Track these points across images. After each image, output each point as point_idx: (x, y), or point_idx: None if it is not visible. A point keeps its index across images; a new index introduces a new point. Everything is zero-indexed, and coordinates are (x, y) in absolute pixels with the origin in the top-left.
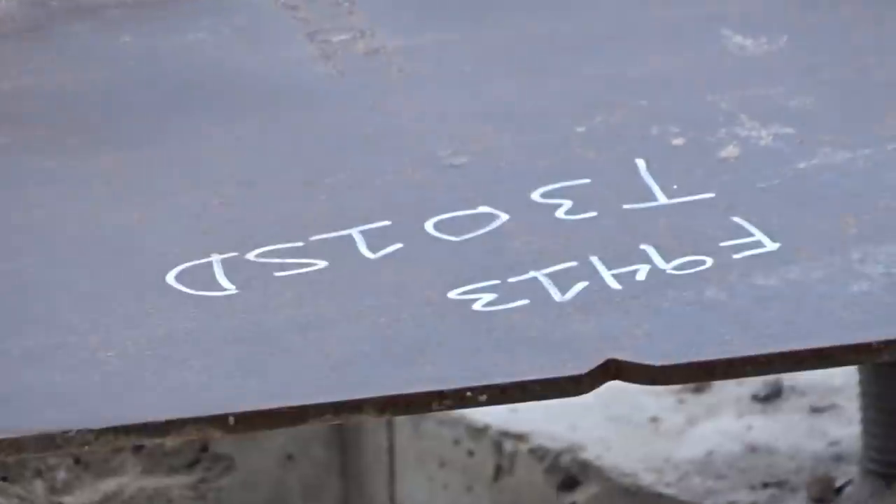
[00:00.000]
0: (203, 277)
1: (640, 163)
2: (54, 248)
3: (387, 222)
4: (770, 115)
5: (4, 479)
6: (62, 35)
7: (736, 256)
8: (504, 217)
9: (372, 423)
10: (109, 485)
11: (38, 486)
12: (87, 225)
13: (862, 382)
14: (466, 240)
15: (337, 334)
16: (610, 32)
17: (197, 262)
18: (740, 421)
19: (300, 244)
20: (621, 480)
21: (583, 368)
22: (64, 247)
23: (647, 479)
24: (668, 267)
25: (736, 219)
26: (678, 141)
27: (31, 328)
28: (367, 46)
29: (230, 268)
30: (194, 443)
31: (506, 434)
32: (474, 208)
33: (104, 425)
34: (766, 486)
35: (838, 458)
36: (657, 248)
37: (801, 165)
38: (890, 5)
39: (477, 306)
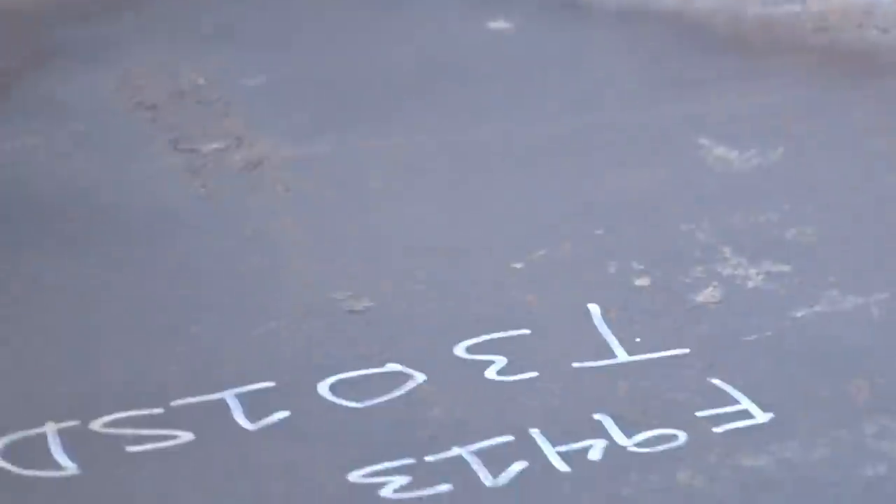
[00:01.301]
0: (35, 452)
1: (594, 309)
2: None
3: (269, 383)
4: (760, 248)
5: None
6: None
7: (717, 430)
8: (419, 378)
9: None
10: None
11: None
12: None
13: None
14: (371, 406)
15: None
16: (558, 138)
17: (28, 432)
18: None
19: (159, 410)
20: None
21: None
22: None
23: None
24: (630, 443)
25: (716, 381)
26: (643, 281)
27: None
28: (246, 158)
29: (70, 440)
30: None
31: None
32: (381, 366)
33: None
34: None
35: None
36: (615, 418)
37: (800, 314)
38: None
39: (386, 492)
